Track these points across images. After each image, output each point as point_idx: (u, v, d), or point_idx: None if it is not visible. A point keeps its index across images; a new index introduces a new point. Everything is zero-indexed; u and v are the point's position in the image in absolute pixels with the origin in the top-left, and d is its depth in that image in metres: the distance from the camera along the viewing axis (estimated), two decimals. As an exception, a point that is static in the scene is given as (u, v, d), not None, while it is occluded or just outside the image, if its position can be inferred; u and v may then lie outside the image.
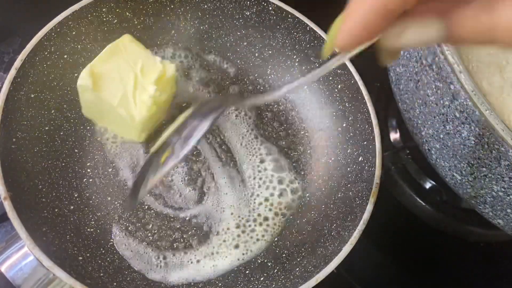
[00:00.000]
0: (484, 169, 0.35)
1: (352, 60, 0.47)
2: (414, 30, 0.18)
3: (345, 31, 0.17)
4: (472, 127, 0.33)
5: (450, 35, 0.18)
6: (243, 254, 0.42)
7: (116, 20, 0.47)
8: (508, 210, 0.35)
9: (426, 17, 0.18)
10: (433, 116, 0.38)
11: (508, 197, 0.34)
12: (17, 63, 0.39)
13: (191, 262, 0.41)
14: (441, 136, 0.38)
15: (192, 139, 0.27)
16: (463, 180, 0.38)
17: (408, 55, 0.40)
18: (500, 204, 0.36)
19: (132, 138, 0.44)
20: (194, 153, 0.47)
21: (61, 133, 0.43)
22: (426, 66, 0.37)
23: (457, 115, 0.35)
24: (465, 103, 0.33)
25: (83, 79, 0.39)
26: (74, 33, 0.44)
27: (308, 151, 0.50)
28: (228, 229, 0.43)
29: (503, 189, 0.34)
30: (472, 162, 0.35)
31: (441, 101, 0.36)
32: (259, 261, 0.42)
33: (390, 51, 0.21)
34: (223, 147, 0.48)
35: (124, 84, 0.39)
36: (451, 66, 0.34)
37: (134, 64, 0.40)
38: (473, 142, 0.34)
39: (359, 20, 0.17)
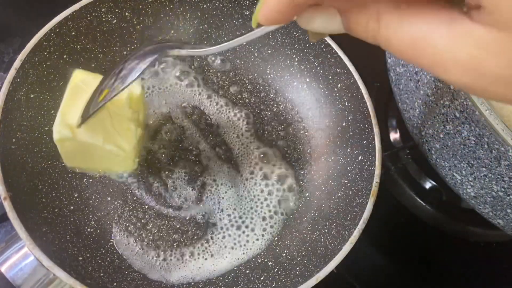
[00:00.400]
0: (484, 169, 0.35)
1: (351, 60, 0.47)
2: (320, 20, 0.22)
3: (262, 13, 0.21)
4: (472, 127, 0.33)
5: (348, 31, 0.21)
6: (243, 253, 0.42)
7: (115, 20, 0.47)
8: (508, 210, 0.36)
9: (329, 10, 0.21)
10: (433, 116, 0.38)
11: (508, 197, 0.34)
12: (17, 63, 0.39)
13: (191, 262, 0.41)
14: (441, 136, 0.38)
15: (128, 78, 0.29)
16: (463, 180, 0.38)
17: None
18: (500, 204, 0.36)
19: (125, 169, 0.43)
20: (194, 153, 0.47)
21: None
22: (426, 66, 0.37)
23: (457, 115, 0.35)
24: (465, 103, 0.33)
25: (60, 132, 0.36)
26: (73, 33, 0.44)
27: (308, 151, 0.50)
28: (227, 229, 0.44)
29: (503, 189, 0.34)
30: (472, 162, 0.35)
31: (441, 101, 0.36)
32: (259, 261, 0.42)
33: (312, 32, 0.24)
34: (222, 147, 0.48)
35: (100, 120, 0.37)
36: None
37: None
38: (473, 142, 0.34)
39: (272, 7, 0.20)
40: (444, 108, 0.36)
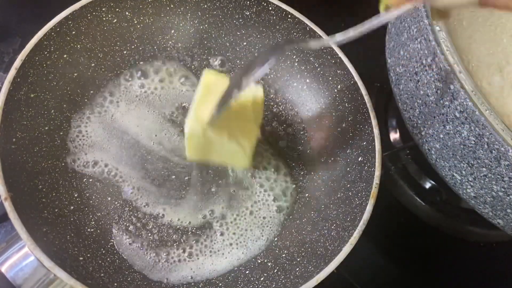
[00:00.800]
0: (484, 169, 0.35)
1: (352, 60, 0.47)
2: None
3: None
4: (472, 127, 0.34)
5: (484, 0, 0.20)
6: (242, 254, 0.42)
7: (115, 20, 0.47)
8: (508, 210, 0.36)
9: None
10: (433, 116, 0.38)
11: (508, 197, 0.34)
12: (17, 63, 0.39)
13: (191, 262, 0.41)
14: (441, 136, 0.38)
15: (255, 74, 0.31)
16: (463, 180, 0.38)
17: (408, 55, 0.40)
18: (500, 204, 0.36)
19: (241, 166, 0.45)
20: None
21: (61, 133, 0.43)
22: (426, 66, 0.37)
23: (457, 115, 0.35)
24: (465, 103, 0.33)
25: (192, 127, 0.39)
26: (74, 32, 0.44)
27: (308, 151, 0.50)
28: (227, 229, 0.44)
29: (503, 189, 0.34)
30: (472, 162, 0.35)
31: (441, 101, 0.36)
32: (259, 261, 0.42)
33: (439, 12, 0.23)
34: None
35: (226, 119, 0.39)
36: (451, 66, 0.34)
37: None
38: (473, 142, 0.34)
39: None
40: (444, 108, 0.36)
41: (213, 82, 0.40)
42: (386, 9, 0.22)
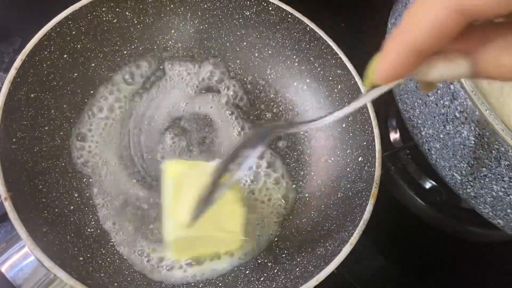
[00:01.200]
0: (484, 169, 0.35)
1: (352, 61, 0.47)
2: (443, 68, 0.20)
3: (381, 69, 0.20)
4: (472, 127, 0.34)
5: (476, 72, 0.20)
6: (243, 254, 0.42)
7: (116, 20, 0.47)
8: (508, 210, 0.36)
9: (454, 56, 0.20)
10: (433, 116, 0.38)
11: (508, 197, 0.34)
12: (17, 63, 0.39)
13: (191, 262, 0.41)
14: (441, 136, 0.38)
15: (244, 165, 0.30)
16: (463, 180, 0.38)
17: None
18: (500, 204, 0.36)
19: (233, 248, 0.42)
20: (194, 154, 0.47)
21: (61, 133, 0.43)
22: (426, 66, 0.37)
23: (457, 115, 0.35)
24: (465, 103, 0.33)
25: (174, 234, 0.36)
26: (74, 32, 0.44)
27: (308, 152, 0.50)
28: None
29: (503, 189, 0.34)
30: (472, 162, 0.35)
31: (441, 101, 0.36)
32: (259, 261, 0.42)
33: (425, 83, 0.23)
34: (222, 147, 0.48)
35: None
36: None
37: (201, 183, 0.33)
38: (473, 142, 0.34)
39: (392, 60, 0.19)
40: (444, 108, 0.36)
41: (180, 173, 0.37)
42: (371, 84, 0.22)
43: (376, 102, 0.47)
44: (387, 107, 0.59)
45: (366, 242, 0.50)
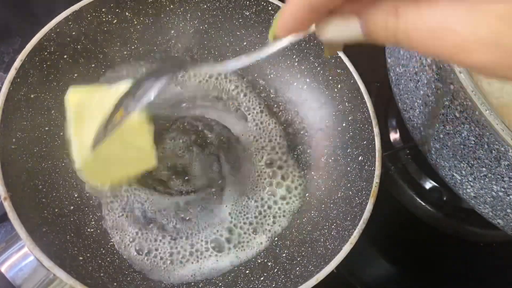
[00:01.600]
0: (484, 169, 0.35)
1: (352, 60, 0.47)
2: (336, 26, 0.21)
3: (281, 22, 0.21)
4: (472, 127, 0.34)
5: (367, 34, 0.20)
6: (243, 253, 0.42)
7: (115, 20, 0.47)
8: (508, 210, 0.36)
9: (348, 16, 0.21)
10: (433, 116, 0.38)
11: (508, 197, 0.34)
12: (17, 63, 0.39)
13: (191, 262, 0.41)
14: (441, 136, 0.38)
15: (144, 98, 0.27)
16: (463, 180, 0.38)
17: (408, 55, 0.40)
18: (500, 204, 0.36)
19: (147, 167, 0.40)
20: (194, 154, 0.47)
21: (61, 133, 0.43)
22: (426, 66, 0.37)
23: (457, 115, 0.35)
24: (465, 103, 0.33)
25: (81, 159, 0.34)
26: (74, 33, 0.44)
27: (308, 151, 0.50)
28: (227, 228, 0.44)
29: (503, 189, 0.34)
30: (472, 162, 0.35)
31: (441, 101, 0.36)
32: (259, 261, 0.42)
33: (329, 46, 0.25)
34: (222, 147, 0.48)
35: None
36: (451, 66, 0.34)
37: (103, 108, 0.32)
38: (473, 142, 0.34)
39: (290, 14, 0.20)
40: (444, 108, 0.36)
41: (82, 101, 0.35)
42: (275, 38, 0.23)
43: (376, 102, 0.47)
44: (387, 107, 0.59)
45: (366, 241, 0.50)
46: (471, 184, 0.37)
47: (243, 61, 0.26)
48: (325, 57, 0.31)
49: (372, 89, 0.47)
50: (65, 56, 0.44)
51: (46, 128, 0.42)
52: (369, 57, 0.53)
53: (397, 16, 0.18)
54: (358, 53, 0.48)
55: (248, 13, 0.50)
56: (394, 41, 0.19)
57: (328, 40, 0.22)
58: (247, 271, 0.41)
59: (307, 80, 0.51)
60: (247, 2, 0.49)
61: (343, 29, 0.21)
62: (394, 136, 0.57)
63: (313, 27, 0.22)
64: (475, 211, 0.40)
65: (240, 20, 0.51)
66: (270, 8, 0.49)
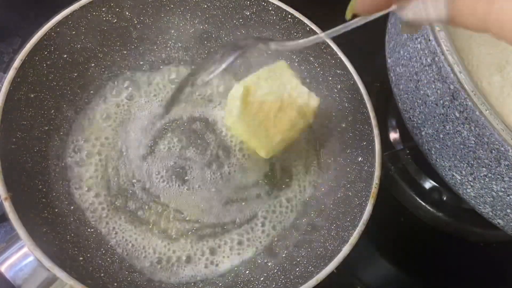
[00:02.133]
0: (484, 169, 0.35)
1: (351, 60, 0.47)
2: (418, 7, 0.20)
3: (361, 1, 0.21)
4: (472, 127, 0.34)
5: (450, 18, 0.19)
6: (242, 253, 0.42)
7: (115, 20, 0.47)
8: (508, 210, 0.36)
9: None
10: (433, 116, 0.38)
11: (508, 197, 0.34)
12: (17, 63, 0.39)
13: (191, 262, 0.41)
14: (441, 136, 0.38)
15: (221, 65, 0.31)
16: (463, 180, 0.38)
17: (408, 55, 0.40)
18: (500, 204, 0.36)
19: (261, 154, 0.44)
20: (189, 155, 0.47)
21: (61, 133, 0.43)
22: (426, 66, 0.37)
23: (457, 115, 0.35)
24: (465, 103, 0.33)
25: (237, 91, 0.40)
26: (73, 32, 0.44)
27: (308, 151, 0.50)
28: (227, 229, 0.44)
29: (503, 189, 0.34)
30: (472, 162, 0.35)
31: (441, 101, 0.36)
32: (259, 261, 0.42)
33: (407, 25, 0.24)
34: (221, 148, 0.48)
35: (269, 105, 0.41)
36: (451, 66, 0.34)
37: (283, 89, 0.42)
38: (473, 142, 0.34)
39: None
40: (444, 108, 0.36)
41: (281, 71, 0.42)
42: (353, 15, 0.22)
43: (376, 102, 0.47)
44: (387, 107, 0.59)
45: (366, 242, 0.50)
46: (471, 184, 0.37)
47: (317, 38, 0.27)
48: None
49: (371, 90, 0.47)
50: (65, 56, 0.44)
51: (46, 128, 0.42)
52: (369, 57, 0.53)
53: (489, 2, 0.17)
54: (358, 54, 0.48)
55: (248, 13, 0.50)
56: (483, 29, 0.18)
57: (408, 20, 0.21)
58: (247, 271, 0.41)
59: (307, 80, 0.51)
60: (247, 2, 0.49)
61: (425, 11, 0.20)
62: (394, 136, 0.57)
63: (393, 6, 0.21)
64: (475, 211, 0.40)
65: (240, 20, 0.51)
66: (270, 8, 0.49)
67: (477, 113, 0.32)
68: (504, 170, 0.33)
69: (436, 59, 0.35)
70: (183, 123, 0.48)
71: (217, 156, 0.47)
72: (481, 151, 0.34)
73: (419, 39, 0.37)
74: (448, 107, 0.35)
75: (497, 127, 0.32)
